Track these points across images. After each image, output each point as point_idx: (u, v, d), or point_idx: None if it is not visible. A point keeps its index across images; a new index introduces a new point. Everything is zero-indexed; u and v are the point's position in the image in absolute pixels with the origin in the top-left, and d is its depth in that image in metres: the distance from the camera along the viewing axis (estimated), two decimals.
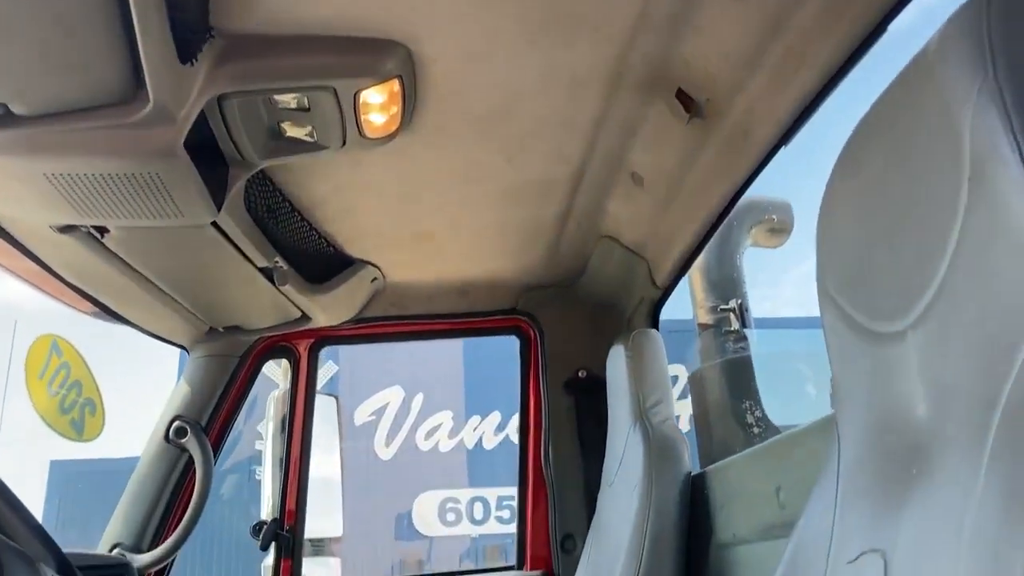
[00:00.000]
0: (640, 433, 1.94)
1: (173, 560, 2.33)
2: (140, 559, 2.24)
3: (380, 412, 12.68)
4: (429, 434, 12.71)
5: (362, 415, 12.57)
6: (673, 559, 1.75)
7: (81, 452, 12.11)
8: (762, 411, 2.76)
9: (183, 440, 2.33)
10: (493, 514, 12.39)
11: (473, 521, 12.41)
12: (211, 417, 2.40)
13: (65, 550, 1.33)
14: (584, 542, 2.47)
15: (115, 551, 2.24)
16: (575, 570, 2.32)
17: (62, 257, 1.89)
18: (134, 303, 2.14)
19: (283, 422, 2.56)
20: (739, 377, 2.91)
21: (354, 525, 10.63)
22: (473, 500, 12.44)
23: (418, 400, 12.74)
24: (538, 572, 2.48)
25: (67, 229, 1.73)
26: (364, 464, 12.15)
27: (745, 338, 2.96)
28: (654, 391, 2.02)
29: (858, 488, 0.94)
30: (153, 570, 2.29)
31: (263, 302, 2.24)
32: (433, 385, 12.73)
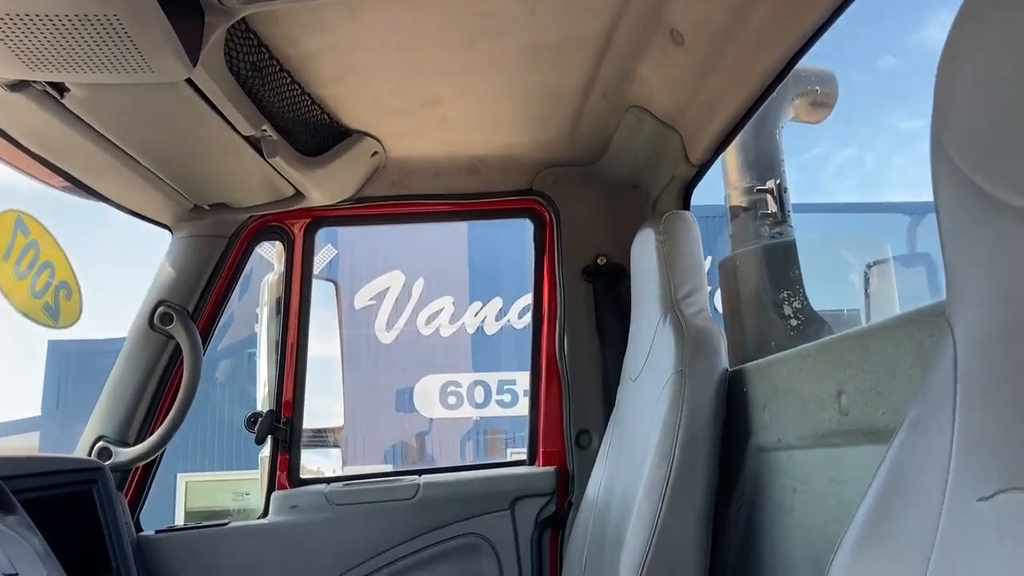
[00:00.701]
0: (671, 325, 1.76)
1: (162, 454, 2.19)
2: (125, 453, 2.09)
3: (380, 297, 12.59)
4: (430, 319, 12.67)
5: (362, 300, 12.49)
6: (706, 462, 1.60)
7: (80, 333, 12.07)
8: (804, 301, 2.56)
9: (169, 327, 2.15)
10: (494, 398, 12.48)
11: (474, 404, 12.51)
12: (199, 302, 2.22)
13: (38, 454, 1.17)
14: (600, 438, 2.33)
15: (99, 444, 2.10)
16: (591, 467, 2.18)
17: (19, 121, 1.66)
18: (107, 176, 1.92)
19: (278, 306, 2.37)
20: (778, 264, 2.70)
21: (355, 410, 10.70)
22: (474, 384, 12.50)
23: (419, 285, 12.64)
24: (551, 468, 2.34)
25: (19, 86, 1.49)
26: (365, 349, 12.15)
27: (784, 221, 2.73)
28: (688, 279, 1.82)
29: (989, 408, 0.75)
30: (141, 464, 2.16)
31: (251, 177, 2.02)
32: (434, 270, 12.61)
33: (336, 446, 2.93)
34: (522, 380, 12.37)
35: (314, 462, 2.82)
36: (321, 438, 2.73)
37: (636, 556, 1.56)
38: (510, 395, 12.39)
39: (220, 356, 10.67)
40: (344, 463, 2.49)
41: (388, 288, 12.58)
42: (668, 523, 1.56)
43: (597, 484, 2.04)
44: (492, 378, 12.47)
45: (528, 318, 2.48)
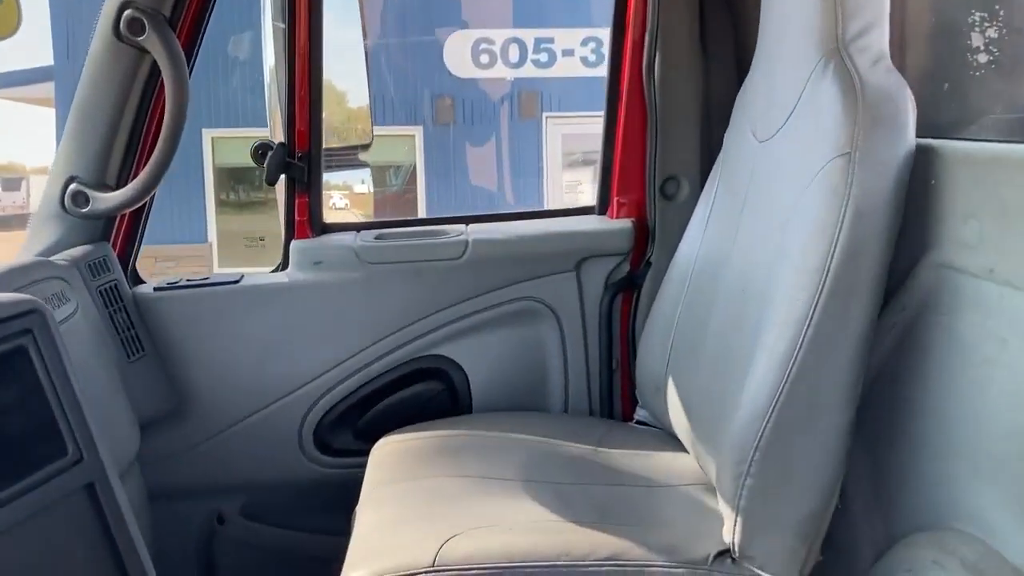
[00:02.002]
0: (836, 79, 1.22)
1: (153, 198, 1.77)
2: (106, 199, 1.68)
3: None
4: None
5: None
6: (871, 286, 1.16)
7: None
8: None
9: (140, 38, 1.63)
10: (529, 57, 11.69)
11: (508, 64, 11.76)
12: (177, 3, 1.67)
13: None
14: (692, 187, 1.87)
15: (71, 188, 1.68)
16: (679, 221, 1.76)
17: None
18: None
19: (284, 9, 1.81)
20: None
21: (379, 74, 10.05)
22: (508, 42, 11.65)
23: None
24: (627, 222, 1.91)
25: None
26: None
27: None
28: (861, 12, 1.25)
29: None
30: (128, 211, 1.75)
31: None
32: None
33: (364, 165, 2.48)
34: (560, 38, 11.54)
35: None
36: (350, 157, 2.27)
37: (765, 392, 1.18)
38: (546, 54, 11.59)
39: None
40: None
41: None
42: (809, 359, 1.16)
43: (694, 247, 1.63)
44: (527, 35, 11.58)
45: None
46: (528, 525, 1.29)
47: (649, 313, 1.76)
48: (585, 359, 1.90)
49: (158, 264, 10.37)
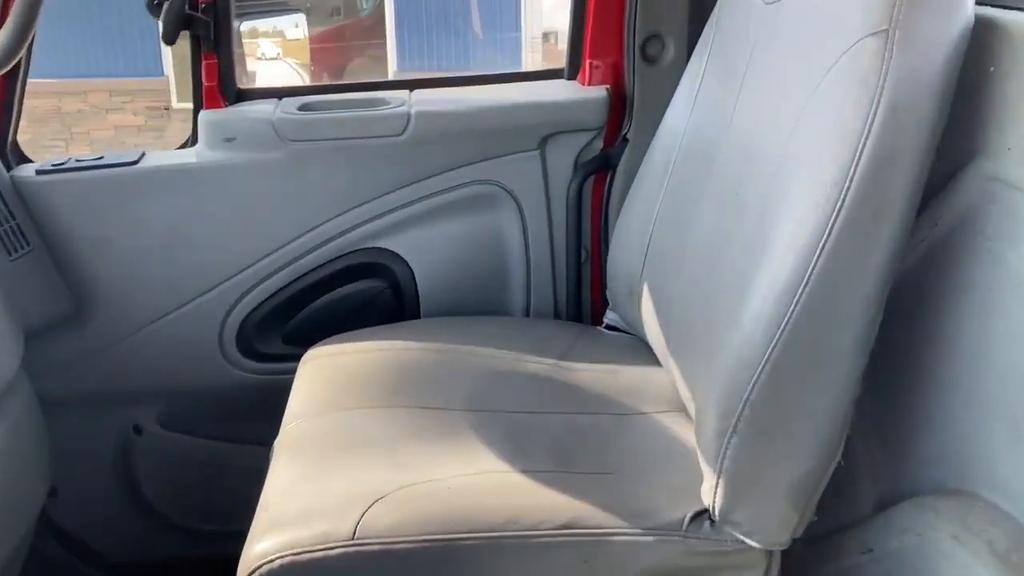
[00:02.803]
0: None
1: (31, 44, 1.44)
2: None
3: None
4: None
5: None
6: (907, 194, 0.90)
7: None
8: None
9: None
10: None
11: None
12: None
13: None
14: (679, 48, 1.57)
15: None
16: (664, 89, 1.47)
17: None
18: None
19: None
20: None
21: None
22: None
23: None
24: (600, 90, 1.61)
25: None
26: None
27: None
28: None
29: None
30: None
31: None
32: None
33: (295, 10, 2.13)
34: None
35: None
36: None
37: (760, 332, 0.95)
38: None
39: None
40: None
41: None
42: (818, 295, 0.92)
43: (679, 123, 1.35)
44: None
45: None
46: (471, 482, 1.08)
47: (625, 201, 1.50)
48: (550, 253, 1.65)
49: (113, 98, 9.80)
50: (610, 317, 1.56)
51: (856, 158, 0.89)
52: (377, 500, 1.03)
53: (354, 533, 0.99)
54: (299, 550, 0.98)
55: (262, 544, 1.00)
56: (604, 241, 1.64)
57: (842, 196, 0.89)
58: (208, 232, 1.56)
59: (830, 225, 0.90)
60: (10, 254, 1.47)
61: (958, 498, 0.98)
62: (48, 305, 1.53)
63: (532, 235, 1.64)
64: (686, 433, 1.22)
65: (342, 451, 1.15)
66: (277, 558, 0.98)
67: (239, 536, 1.74)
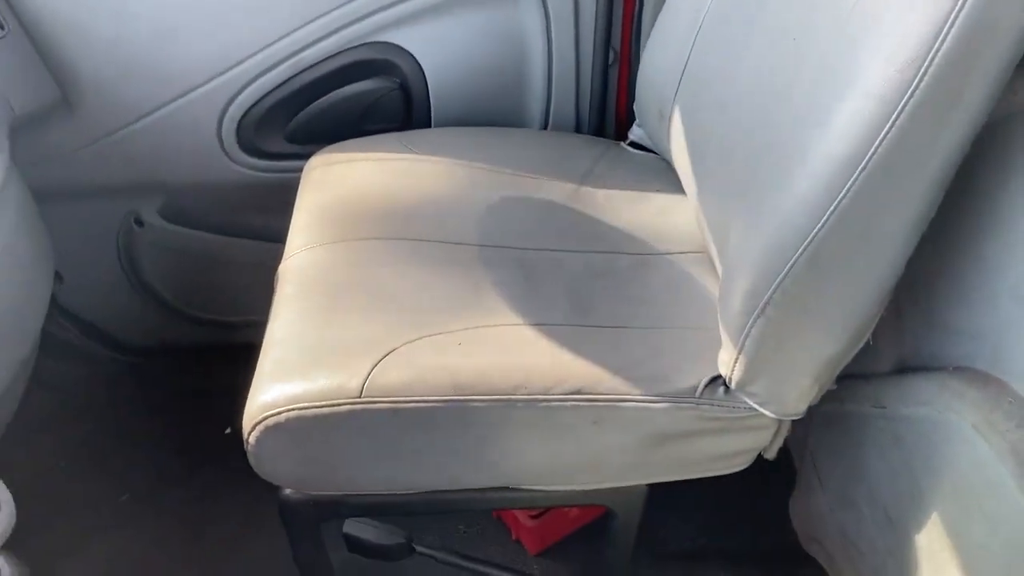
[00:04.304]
0: None
1: None
2: None
3: None
4: None
5: None
6: (996, 69, 0.77)
7: None
8: None
9: None
10: None
11: None
12: None
13: None
14: None
15: None
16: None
17: None
18: None
19: None
20: None
21: None
22: None
23: None
24: None
25: None
26: None
27: None
28: None
29: None
30: None
31: None
32: None
33: None
34: None
35: None
36: None
37: (804, 215, 0.87)
38: None
39: None
40: None
41: None
42: (873, 182, 0.83)
43: None
44: None
45: None
46: (482, 336, 1.05)
47: (660, 13, 1.34)
48: (575, 55, 1.50)
49: None
50: (636, 133, 1.45)
51: (944, 31, 0.76)
52: (387, 355, 1.00)
53: (362, 390, 0.97)
54: (306, 404, 0.96)
55: (268, 395, 0.98)
56: (635, 44, 1.49)
57: (918, 77, 0.78)
58: (202, 20, 1.41)
59: (899, 110, 0.79)
60: None
61: (986, 388, 0.94)
62: (31, 94, 1.42)
63: (556, 33, 1.49)
64: (706, 280, 1.18)
65: (348, 291, 1.11)
66: (284, 411, 0.97)
67: (240, 326, 1.77)
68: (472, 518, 1.53)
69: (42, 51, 1.40)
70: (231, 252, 1.64)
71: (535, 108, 1.55)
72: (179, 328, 1.75)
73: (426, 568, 1.38)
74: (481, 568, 1.34)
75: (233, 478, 1.60)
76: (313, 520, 1.11)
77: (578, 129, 1.57)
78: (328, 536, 1.15)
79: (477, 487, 1.06)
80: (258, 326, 1.69)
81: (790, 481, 1.42)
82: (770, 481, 1.29)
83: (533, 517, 1.46)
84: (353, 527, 1.22)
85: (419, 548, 1.25)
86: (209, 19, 1.41)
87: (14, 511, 0.80)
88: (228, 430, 1.71)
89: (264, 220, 1.60)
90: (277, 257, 1.44)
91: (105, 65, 1.43)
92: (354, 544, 1.21)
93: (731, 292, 0.97)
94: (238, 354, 1.74)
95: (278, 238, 1.55)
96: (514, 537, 1.52)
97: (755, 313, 0.92)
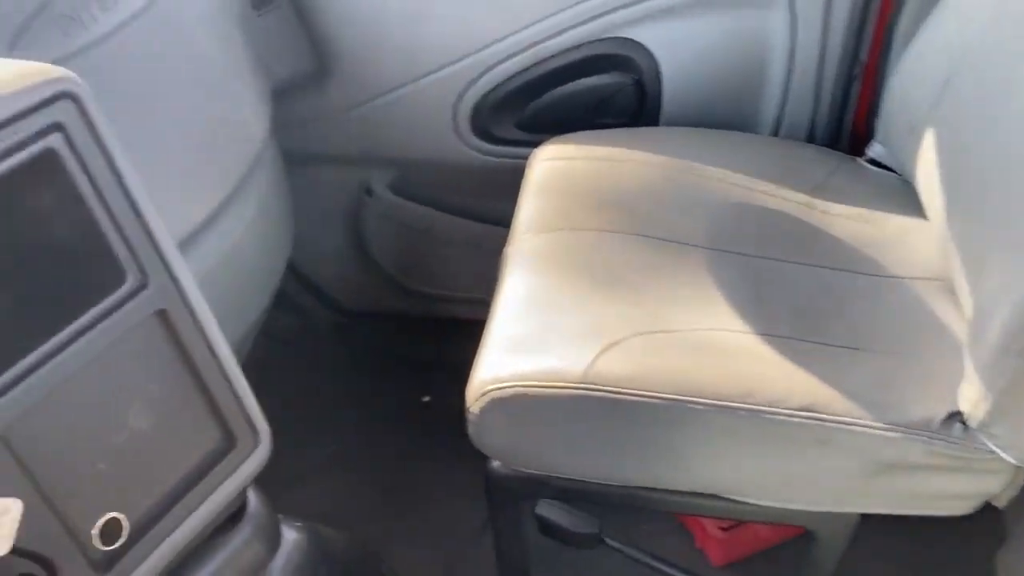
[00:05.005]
0: None
1: None
2: None
3: None
4: None
5: None
6: None
7: None
8: None
9: None
10: None
11: None
12: None
13: None
14: None
15: None
16: None
17: None
18: None
19: None
20: None
21: None
22: None
23: None
24: None
25: None
26: None
27: None
28: None
29: None
30: None
31: None
32: None
33: None
34: None
35: None
36: None
37: None
38: None
39: None
40: None
41: None
42: None
43: None
44: None
45: None
46: (708, 339, 1.04)
47: (925, 20, 1.28)
48: (818, 62, 1.46)
49: None
50: (875, 150, 1.40)
51: None
52: (612, 345, 1.01)
53: (585, 376, 0.98)
54: (530, 383, 0.99)
55: (495, 369, 1.02)
56: (884, 56, 1.43)
57: None
58: (450, 4, 1.47)
59: None
60: (257, 9, 1.46)
61: None
62: (292, 64, 1.52)
63: (802, 39, 1.45)
64: (945, 310, 1.12)
65: (574, 278, 1.13)
66: (508, 386, 1.00)
67: (449, 300, 1.83)
68: (658, 518, 1.52)
69: (306, 22, 1.50)
70: (451, 230, 1.71)
71: (768, 114, 1.51)
72: (391, 295, 1.83)
73: (606, 560, 1.39)
74: (668, 571, 1.33)
75: (428, 444, 1.68)
76: (517, 495, 1.14)
77: (811, 139, 1.52)
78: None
79: (681, 489, 1.06)
80: (467, 303, 1.76)
81: (995, 531, 1.34)
82: (976, 530, 1.22)
83: (723, 528, 1.43)
84: (546, 509, 1.24)
85: (608, 540, 1.25)
86: (458, 6, 1.47)
87: (270, 445, 0.87)
88: (426, 399, 1.78)
89: (486, 202, 1.65)
90: (495, 239, 1.48)
91: (360, 40, 1.51)
92: (546, 526, 1.23)
93: (985, 328, 0.92)
94: (443, 327, 1.82)
95: (498, 221, 1.59)
96: (698, 545, 1.50)
97: (1011, 353, 0.87)
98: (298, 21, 1.51)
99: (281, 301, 1.82)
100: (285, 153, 1.53)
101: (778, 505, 1.05)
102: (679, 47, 1.47)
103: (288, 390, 1.81)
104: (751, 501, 1.05)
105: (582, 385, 0.98)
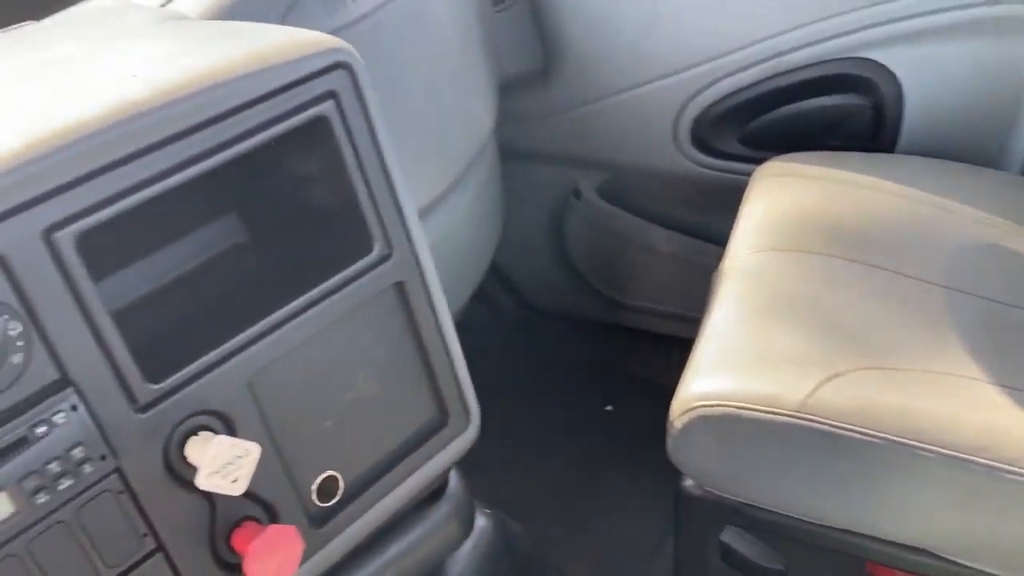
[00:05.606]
0: None
1: None
2: None
3: None
4: None
5: None
6: None
7: None
8: None
9: None
10: None
11: None
12: None
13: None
14: None
15: None
16: None
17: None
18: None
19: None
20: None
21: None
22: None
23: None
24: None
25: None
26: None
27: None
28: None
29: None
30: None
31: None
32: None
33: None
34: None
35: None
36: None
37: None
38: None
39: None
40: None
41: None
42: None
43: None
44: None
45: None
46: (938, 382, 0.96)
47: None
48: None
49: None
50: None
51: None
52: (834, 376, 0.96)
53: (803, 405, 0.94)
54: (742, 404, 0.95)
55: (705, 386, 0.98)
56: None
57: None
58: (684, 12, 1.45)
59: None
60: (496, 4, 1.49)
61: None
62: (520, 61, 1.55)
63: None
64: None
65: (795, 302, 1.08)
66: (718, 405, 0.96)
67: (641, 311, 1.80)
68: (846, 565, 1.44)
69: (540, 20, 1.52)
70: (656, 240, 1.68)
71: (1017, 151, 1.40)
72: (583, 300, 1.83)
73: None
74: None
75: (609, 453, 1.65)
76: (708, 518, 1.10)
77: None
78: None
79: (885, 538, 0.99)
80: (662, 316, 1.73)
81: None
82: None
83: None
84: (732, 537, 1.19)
85: None
86: (695, 12, 1.44)
87: (479, 429, 0.88)
88: (609, 407, 1.76)
89: (698, 217, 1.62)
90: (703, 255, 1.45)
91: (591, 41, 1.51)
92: (730, 554, 1.18)
93: None
94: (632, 337, 1.79)
95: (708, 236, 1.55)
96: None
97: None
98: (532, 19, 1.53)
99: (475, 291, 1.85)
100: (500, 147, 1.56)
101: (999, 574, 0.96)
102: (927, 73, 1.38)
103: (472, 379, 1.84)
104: (966, 564, 0.97)
105: (799, 414, 0.93)
